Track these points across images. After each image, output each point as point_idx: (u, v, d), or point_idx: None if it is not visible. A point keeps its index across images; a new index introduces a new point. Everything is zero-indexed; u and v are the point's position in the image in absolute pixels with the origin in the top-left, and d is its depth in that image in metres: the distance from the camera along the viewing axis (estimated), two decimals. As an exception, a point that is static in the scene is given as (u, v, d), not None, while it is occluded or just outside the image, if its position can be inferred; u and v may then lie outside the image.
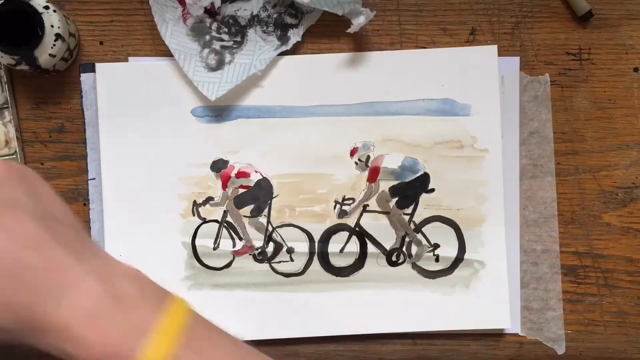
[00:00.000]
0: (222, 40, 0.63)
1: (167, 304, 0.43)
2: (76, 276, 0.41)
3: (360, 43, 0.65)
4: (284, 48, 0.64)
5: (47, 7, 0.58)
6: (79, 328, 0.40)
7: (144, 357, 0.40)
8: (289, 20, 0.64)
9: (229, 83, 0.62)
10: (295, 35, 0.64)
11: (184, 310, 0.44)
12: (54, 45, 0.58)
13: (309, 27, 0.64)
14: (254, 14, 0.64)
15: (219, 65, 0.63)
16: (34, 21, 0.57)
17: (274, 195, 0.64)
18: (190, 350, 0.42)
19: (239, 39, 0.63)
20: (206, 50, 0.63)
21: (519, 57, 0.65)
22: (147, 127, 0.63)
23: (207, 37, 0.63)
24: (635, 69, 0.65)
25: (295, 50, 0.64)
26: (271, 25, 0.64)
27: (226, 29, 0.63)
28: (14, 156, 0.62)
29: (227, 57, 0.63)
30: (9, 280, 0.40)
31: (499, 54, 0.64)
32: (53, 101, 0.65)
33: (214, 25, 0.63)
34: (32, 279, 0.40)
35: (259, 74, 0.63)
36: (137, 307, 0.42)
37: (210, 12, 0.63)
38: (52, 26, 0.58)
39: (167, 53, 0.64)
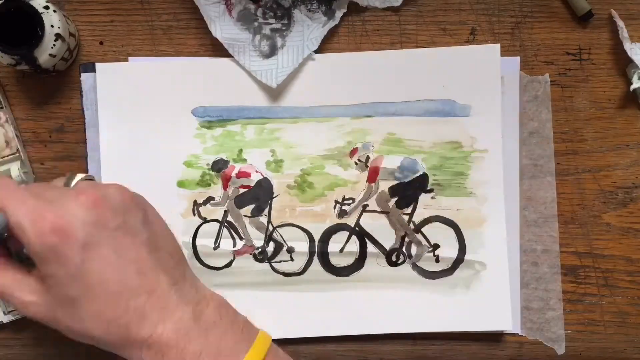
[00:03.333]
0: (271, 23, 0.63)
1: (251, 335, 0.51)
2: (172, 303, 0.48)
3: (360, 43, 0.65)
4: (332, 23, 0.63)
5: (47, 7, 0.58)
6: (167, 349, 0.47)
7: None
8: None
9: (286, 68, 0.62)
10: (340, 8, 0.64)
11: (266, 341, 0.51)
12: (54, 45, 0.58)
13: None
14: None
15: (272, 50, 0.63)
16: (34, 21, 0.57)
17: (274, 195, 0.64)
18: None
19: (286, 21, 0.63)
20: (257, 37, 0.63)
21: (519, 57, 0.65)
22: (147, 127, 0.63)
23: (256, 24, 0.63)
24: (636, 69, 0.65)
25: (295, 50, 0.65)
26: (315, 2, 0.64)
27: (272, 14, 0.63)
28: (17, 154, 0.62)
29: (279, 41, 0.63)
30: (116, 300, 0.47)
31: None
32: (53, 101, 0.65)
33: (259, 12, 0.63)
34: (136, 302, 0.47)
35: (313, 54, 0.63)
36: (222, 335, 0.49)
37: None
38: (52, 26, 0.58)
39: (167, 53, 0.64)
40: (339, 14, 0.64)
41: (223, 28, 0.62)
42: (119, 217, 0.47)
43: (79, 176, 0.52)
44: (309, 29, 0.63)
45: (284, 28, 0.63)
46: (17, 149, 0.63)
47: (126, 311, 0.47)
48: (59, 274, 0.46)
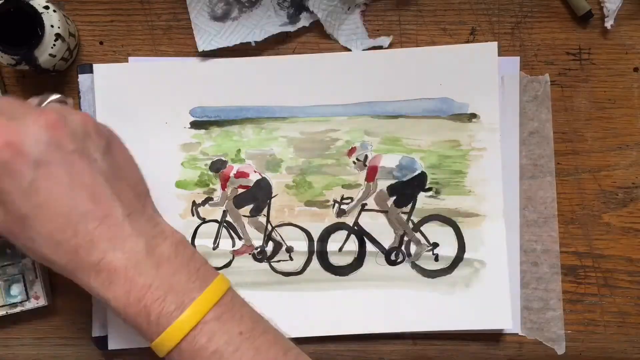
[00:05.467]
0: None
1: (207, 276, 0.51)
2: (125, 233, 0.49)
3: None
4: (289, 28, 0.63)
5: (47, 7, 0.58)
6: (115, 277, 0.48)
7: (178, 319, 0.48)
8: (306, 3, 0.63)
9: (222, 40, 0.63)
10: (305, 19, 0.63)
11: (223, 285, 0.52)
12: (54, 45, 0.58)
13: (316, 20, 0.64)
14: None
15: (223, 17, 0.63)
16: (34, 21, 0.57)
17: (273, 195, 0.64)
18: (218, 322, 0.49)
19: None
20: None
21: (519, 57, 0.65)
22: (145, 128, 0.63)
23: None
24: (635, 69, 0.65)
25: (295, 49, 0.64)
26: (288, 0, 0.64)
27: None
28: None
29: (234, 13, 0.63)
30: (65, 222, 0.47)
31: (499, 54, 0.64)
32: (53, 101, 0.65)
33: None
34: (86, 227, 0.48)
35: (252, 44, 0.63)
36: (175, 271, 0.50)
37: None
38: (52, 26, 0.58)
39: (167, 53, 0.64)
40: (299, 24, 0.63)
41: None
42: (77, 142, 0.48)
43: (53, 97, 0.54)
44: (267, 20, 0.63)
45: (247, 4, 0.63)
46: None
47: (75, 235, 0.47)
48: (10, 189, 0.46)
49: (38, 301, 0.63)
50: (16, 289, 0.63)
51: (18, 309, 0.63)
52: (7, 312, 0.63)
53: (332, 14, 0.63)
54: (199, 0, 0.63)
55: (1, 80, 0.64)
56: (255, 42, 0.63)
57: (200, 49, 0.62)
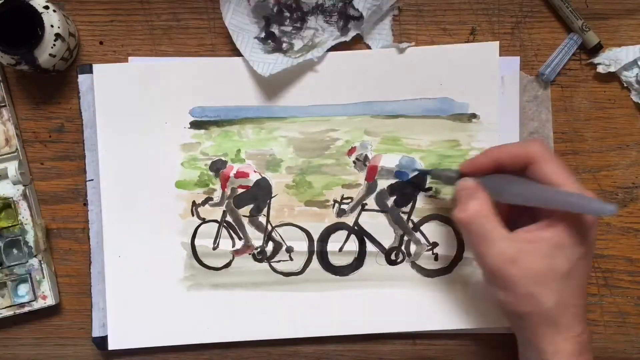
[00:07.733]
0: (283, 24, 0.63)
1: None
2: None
3: (360, 42, 0.65)
4: (343, 39, 0.64)
5: (47, 7, 0.58)
6: None
7: None
8: (352, 12, 0.63)
9: (283, 64, 0.62)
10: (355, 28, 0.64)
11: None
12: (54, 45, 0.58)
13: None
14: (319, 2, 0.64)
15: (275, 50, 0.63)
16: (34, 21, 0.57)
17: (273, 195, 0.64)
18: None
19: (298, 25, 0.63)
20: (264, 34, 0.63)
21: (519, 57, 0.65)
22: (145, 128, 0.63)
23: (268, 19, 0.63)
24: (635, 69, 0.65)
25: (294, 50, 0.65)
26: (335, 14, 0.64)
27: (288, 14, 0.63)
28: (15, 153, 0.63)
29: (285, 45, 0.63)
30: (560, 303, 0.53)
31: (499, 54, 0.64)
32: (53, 101, 0.65)
33: (276, 8, 0.63)
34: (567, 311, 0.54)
35: (315, 60, 0.63)
36: None
37: None
38: (52, 26, 0.58)
39: (167, 53, 0.64)
40: (352, 34, 0.64)
41: (235, 14, 0.62)
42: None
43: None
44: (318, 38, 0.63)
45: (294, 31, 0.63)
46: (17, 148, 0.63)
47: (561, 314, 0.54)
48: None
49: (46, 301, 0.63)
50: (23, 289, 0.64)
51: (26, 309, 0.63)
52: (14, 312, 0.63)
53: (374, 14, 0.63)
54: (248, 41, 0.63)
55: (5, 80, 0.64)
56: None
57: (266, 75, 0.62)
